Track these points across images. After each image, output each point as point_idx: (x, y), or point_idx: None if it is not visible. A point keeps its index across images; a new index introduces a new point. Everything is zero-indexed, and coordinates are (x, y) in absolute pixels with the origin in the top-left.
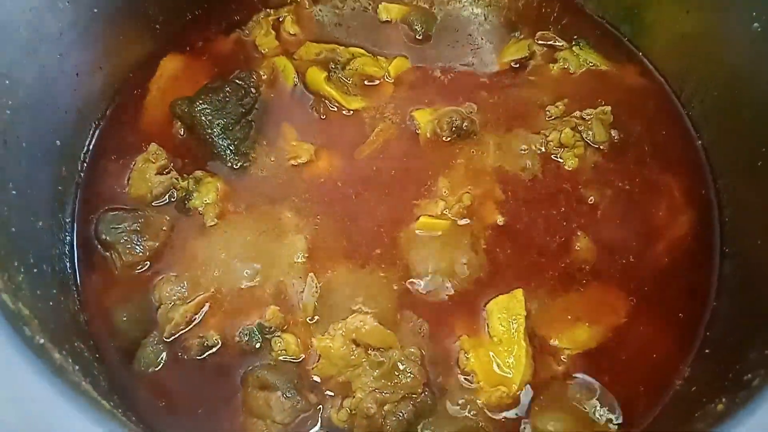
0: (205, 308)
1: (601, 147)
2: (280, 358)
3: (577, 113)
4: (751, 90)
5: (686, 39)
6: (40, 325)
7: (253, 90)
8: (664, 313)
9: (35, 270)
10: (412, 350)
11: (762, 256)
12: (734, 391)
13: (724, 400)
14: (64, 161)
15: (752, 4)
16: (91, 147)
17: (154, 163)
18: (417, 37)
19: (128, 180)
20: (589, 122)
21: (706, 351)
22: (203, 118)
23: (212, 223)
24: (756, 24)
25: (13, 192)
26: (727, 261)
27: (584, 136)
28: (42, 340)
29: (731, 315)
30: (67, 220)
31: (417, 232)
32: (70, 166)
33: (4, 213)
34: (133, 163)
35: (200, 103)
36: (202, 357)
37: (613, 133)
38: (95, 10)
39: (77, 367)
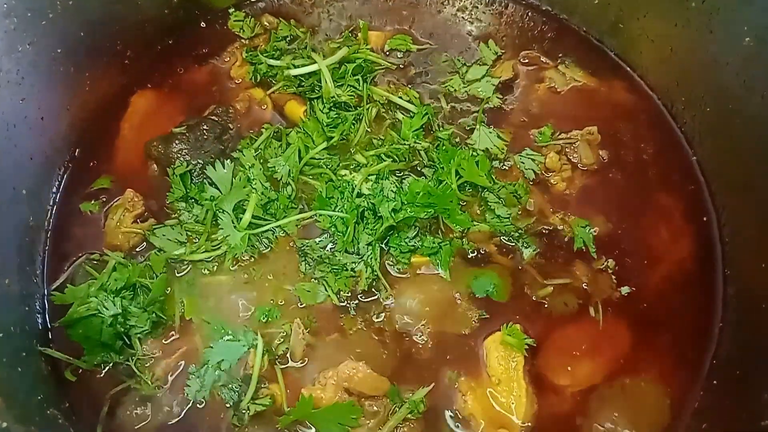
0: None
1: (590, 168)
2: (263, 407)
3: (564, 135)
4: (744, 107)
5: (675, 53)
6: (5, 402)
7: (230, 126)
8: (669, 342)
9: (2, 335)
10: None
11: (763, 278)
12: None
13: None
14: (31, 210)
15: (744, 18)
16: (59, 194)
17: (130, 212)
18: (400, 65)
19: (103, 227)
20: (576, 144)
21: (714, 382)
22: (181, 158)
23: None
24: (748, 38)
25: None
26: (729, 284)
27: (571, 158)
28: (5, 424)
29: (737, 343)
30: (37, 272)
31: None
32: (38, 215)
33: None
34: (106, 208)
35: (176, 143)
36: (188, 411)
37: (602, 153)
38: (58, 50)
39: None
